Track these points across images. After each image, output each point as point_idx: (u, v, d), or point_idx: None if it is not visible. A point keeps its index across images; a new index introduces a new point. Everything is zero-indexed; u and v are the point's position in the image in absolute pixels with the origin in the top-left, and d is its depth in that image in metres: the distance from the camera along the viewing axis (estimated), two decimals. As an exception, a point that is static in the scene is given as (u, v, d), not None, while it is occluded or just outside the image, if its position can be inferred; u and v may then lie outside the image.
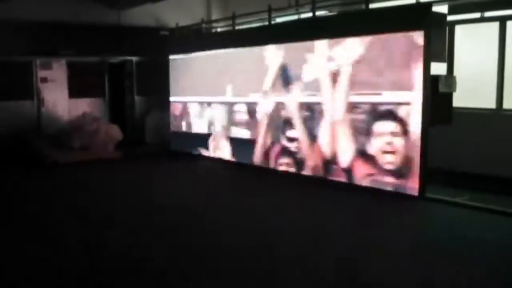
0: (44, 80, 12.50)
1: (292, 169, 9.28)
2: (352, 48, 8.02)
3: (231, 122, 10.72)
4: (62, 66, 12.70)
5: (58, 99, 12.67)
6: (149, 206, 7.47)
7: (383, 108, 7.65)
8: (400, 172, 7.46)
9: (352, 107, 8.08)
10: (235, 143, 10.65)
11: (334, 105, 8.37)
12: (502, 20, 8.82)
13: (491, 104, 9.01)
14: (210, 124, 11.40)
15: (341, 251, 5.44)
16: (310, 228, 6.30)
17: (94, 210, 7.30)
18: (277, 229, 6.25)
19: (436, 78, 7.33)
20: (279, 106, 9.46)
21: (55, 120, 12.47)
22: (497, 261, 5.08)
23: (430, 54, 7.10)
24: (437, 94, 7.32)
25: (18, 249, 5.61)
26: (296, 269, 4.93)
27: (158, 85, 12.97)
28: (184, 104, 12.22)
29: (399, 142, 7.46)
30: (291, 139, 9.26)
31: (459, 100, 8.11)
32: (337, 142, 8.37)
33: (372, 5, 8.53)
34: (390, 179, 7.59)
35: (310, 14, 9.44)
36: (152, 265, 5.07)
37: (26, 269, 5.03)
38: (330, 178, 8.51)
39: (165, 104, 12.81)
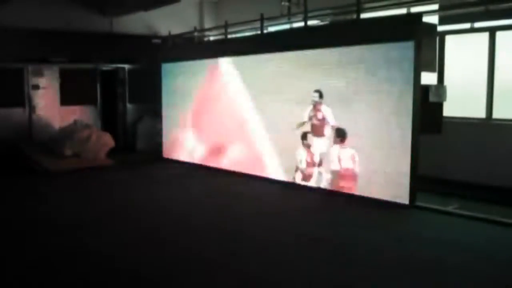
0: (36, 87, 12.48)
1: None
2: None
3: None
4: (54, 73, 12.68)
5: (49, 106, 12.65)
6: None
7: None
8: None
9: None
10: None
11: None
12: (492, 31, 8.93)
13: (481, 113, 9.11)
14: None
15: (327, 260, 5.47)
16: (291, 236, 6.31)
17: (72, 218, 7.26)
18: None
19: (427, 87, 7.40)
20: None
21: (46, 127, 12.42)
22: (491, 269, 5.13)
23: (421, 64, 7.16)
24: (427, 103, 7.39)
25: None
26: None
27: (150, 93, 12.99)
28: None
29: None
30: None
31: (449, 110, 8.18)
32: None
33: (363, 15, 8.61)
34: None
35: (302, 24, 9.50)
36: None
37: None
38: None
39: (157, 111, 12.82)
